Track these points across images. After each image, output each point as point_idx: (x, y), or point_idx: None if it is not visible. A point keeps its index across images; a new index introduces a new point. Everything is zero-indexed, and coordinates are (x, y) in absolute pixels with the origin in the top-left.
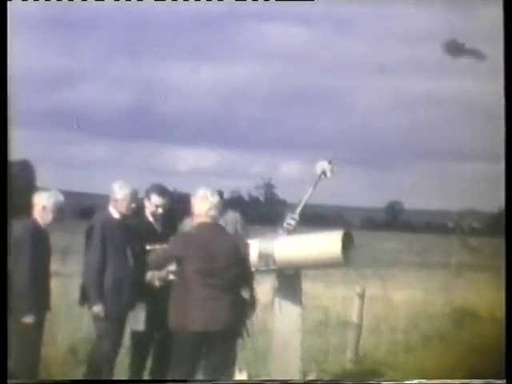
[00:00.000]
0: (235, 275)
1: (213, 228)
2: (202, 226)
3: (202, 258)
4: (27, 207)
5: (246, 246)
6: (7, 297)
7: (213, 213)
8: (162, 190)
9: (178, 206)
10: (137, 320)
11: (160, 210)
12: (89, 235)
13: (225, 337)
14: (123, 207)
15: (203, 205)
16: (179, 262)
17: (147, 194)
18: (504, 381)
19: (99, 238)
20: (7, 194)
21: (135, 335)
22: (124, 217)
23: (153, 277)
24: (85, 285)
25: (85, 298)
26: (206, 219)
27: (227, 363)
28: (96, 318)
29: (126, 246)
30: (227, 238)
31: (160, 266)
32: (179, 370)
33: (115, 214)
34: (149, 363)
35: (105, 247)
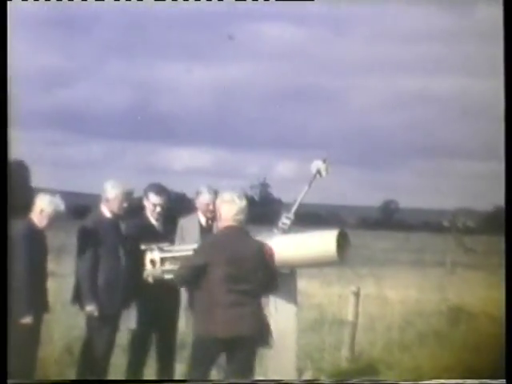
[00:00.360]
0: (260, 280)
1: (239, 232)
2: (228, 230)
3: (228, 263)
4: (21, 208)
5: (271, 250)
6: (7, 297)
7: (240, 217)
8: (159, 189)
9: (174, 204)
10: (129, 318)
11: (158, 209)
12: (81, 235)
13: (249, 343)
14: (115, 207)
15: (231, 209)
16: (205, 267)
17: (145, 194)
18: (504, 381)
19: (91, 237)
20: (7, 194)
21: (130, 334)
22: (116, 216)
23: (148, 275)
24: (78, 284)
25: (77, 298)
26: (233, 223)
27: (248, 370)
28: (89, 317)
29: (119, 245)
30: (252, 242)
31: (188, 278)
32: (199, 374)
33: (107, 214)
34: (151, 363)
35: (97, 247)
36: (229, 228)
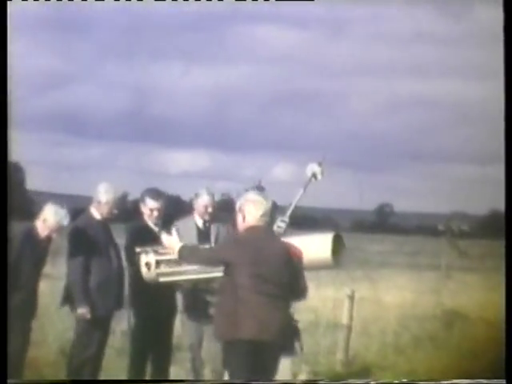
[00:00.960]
0: (287, 283)
1: (264, 232)
2: (253, 230)
3: (252, 263)
4: (16, 209)
5: (300, 252)
6: (7, 297)
7: (267, 218)
8: (155, 194)
9: (169, 207)
10: (122, 320)
11: (155, 214)
12: (71, 236)
13: (272, 348)
14: (105, 211)
15: (256, 209)
16: (228, 266)
17: (142, 199)
18: (504, 381)
19: (82, 239)
20: (7, 195)
21: (126, 336)
22: (105, 219)
23: (145, 272)
24: (69, 286)
25: (67, 299)
26: (258, 223)
27: (268, 375)
28: (80, 319)
29: (109, 246)
30: (279, 243)
31: (204, 265)
32: (235, 377)
33: (97, 216)
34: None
35: (88, 248)
36: (254, 228)
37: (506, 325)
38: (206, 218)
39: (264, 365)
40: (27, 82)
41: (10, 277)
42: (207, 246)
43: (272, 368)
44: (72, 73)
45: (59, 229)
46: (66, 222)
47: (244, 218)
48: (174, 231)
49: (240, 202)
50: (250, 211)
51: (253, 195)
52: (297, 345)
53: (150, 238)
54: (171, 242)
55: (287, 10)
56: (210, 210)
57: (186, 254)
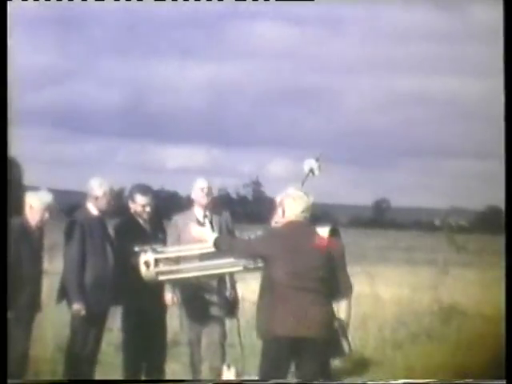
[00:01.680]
0: (328, 278)
1: (303, 228)
2: (292, 225)
3: (291, 258)
4: (14, 205)
5: (343, 248)
6: (7, 296)
7: (306, 213)
8: (145, 189)
9: (166, 202)
10: (119, 317)
11: (148, 209)
12: (68, 232)
13: (318, 346)
14: (103, 204)
15: (297, 205)
16: (265, 261)
17: (131, 195)
18: (504, 381)
19: (78, 234)
20: (7, 193)
21: (121, 333)
22: (103, 214)
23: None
24: (64, 282)
25: (62, 295)
26: (297, 219)
27: (320, 374)
28: (75, 315)
29: (106, 242)
30: (318, 238)
31: (241, 257)
32: (270, 375)
33: (94, 211)
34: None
35: (84, 244)
36: (293, 223)
37: (506, 323)
38: (205, 202)
39: (308, 364)
40: (25, 79)
41: (12, 274)
42: (244, 238)
43: (319, 368)
44: (69, 69)
45: (47, 208)
46: (49, 199)
47: (284, 213)
48: (206, 222)
49: (280, 197)
50: (290, 206)
51: (293, 190)
52: (344, 343)
53: (139, 235)
54: (204, 233)
55: (285, 8)
56: (206, 191)
57: (223, 246)
